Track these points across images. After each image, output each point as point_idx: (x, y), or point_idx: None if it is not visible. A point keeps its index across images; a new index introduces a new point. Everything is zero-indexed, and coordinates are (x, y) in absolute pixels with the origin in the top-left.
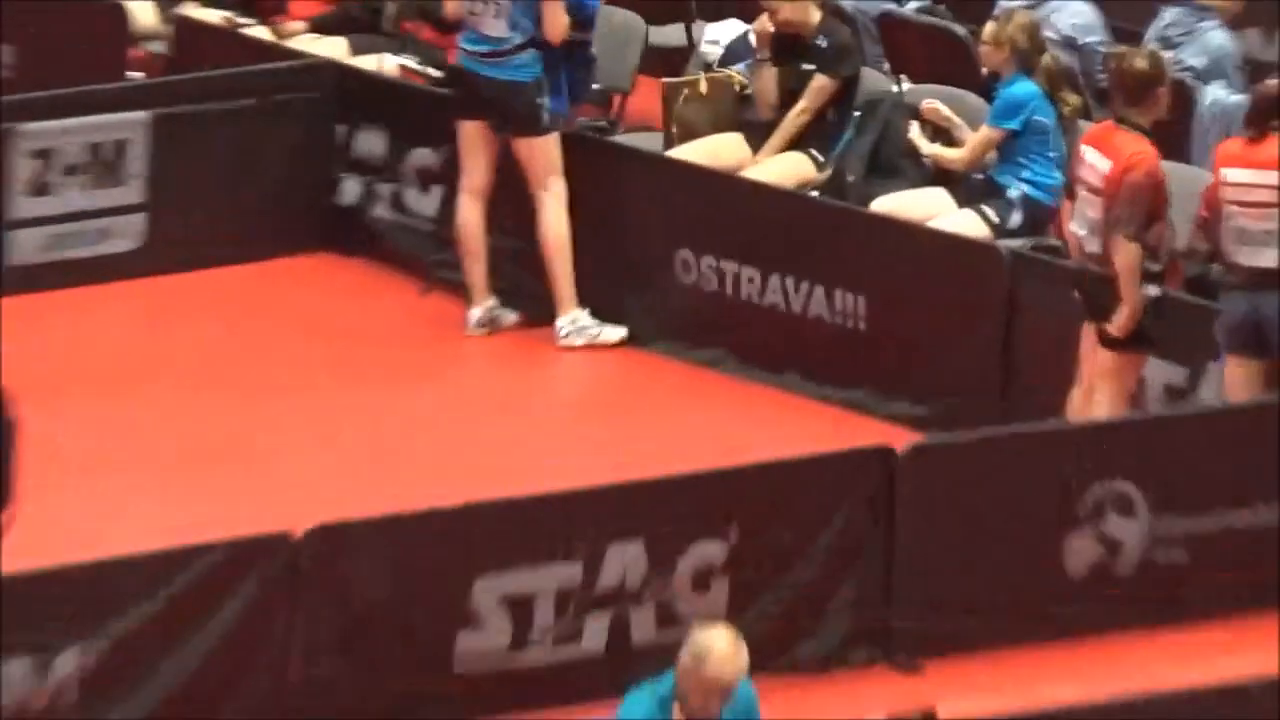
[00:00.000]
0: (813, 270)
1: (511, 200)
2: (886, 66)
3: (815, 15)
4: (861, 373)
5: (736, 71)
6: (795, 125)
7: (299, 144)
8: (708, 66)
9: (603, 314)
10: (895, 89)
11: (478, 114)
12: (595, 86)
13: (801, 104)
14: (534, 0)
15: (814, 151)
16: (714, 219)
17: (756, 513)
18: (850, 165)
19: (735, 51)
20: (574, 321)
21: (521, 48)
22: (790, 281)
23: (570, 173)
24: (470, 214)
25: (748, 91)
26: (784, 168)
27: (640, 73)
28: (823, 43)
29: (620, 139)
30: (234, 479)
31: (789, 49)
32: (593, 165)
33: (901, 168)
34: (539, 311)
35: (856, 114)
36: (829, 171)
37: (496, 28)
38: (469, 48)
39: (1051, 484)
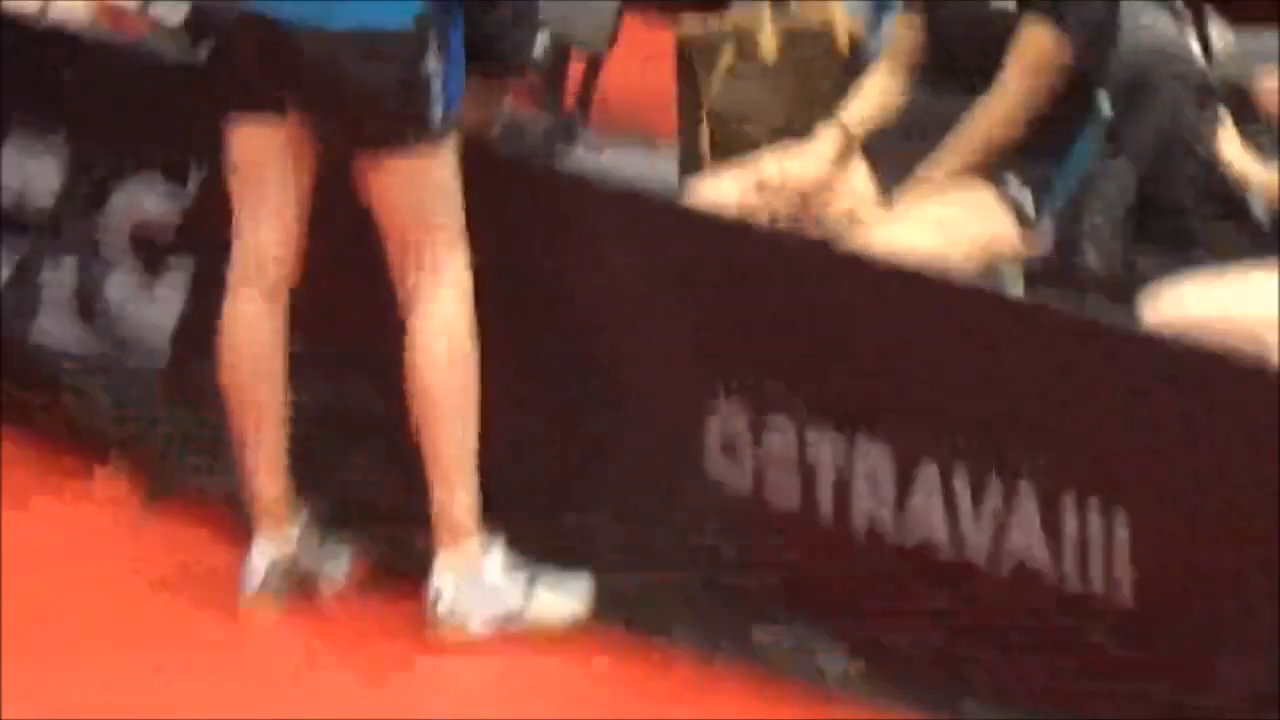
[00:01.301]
0: (1017, 456)
1: (346, 293)
2: (1177, 5)
3: None
4: (1121, 691)
5: (841, 4)
6: (986, 130)
7: None
8: None
9: (542, 550)
10: (1193, 46)
11: (281, 103)
12: (538, 45)
13: (1002, 86)
14: None
15: (1014, 185)
16: (796, 339)
17: None
18: (1093, 219)
19: None
20: (474, 572)
21: None
22: (962, 476)
23: (481, 234)
24: (256, 325)
25: (868, 51)
26: (952, 222)
27: (631, 8)
28: None
29: (586, 158)
30: None
31: None
32: (529, 218)
33: (1205, 222)
34: (400, 550)
35: (1105, 104)
36: (1047, 231)
37: None
38: None
39: None
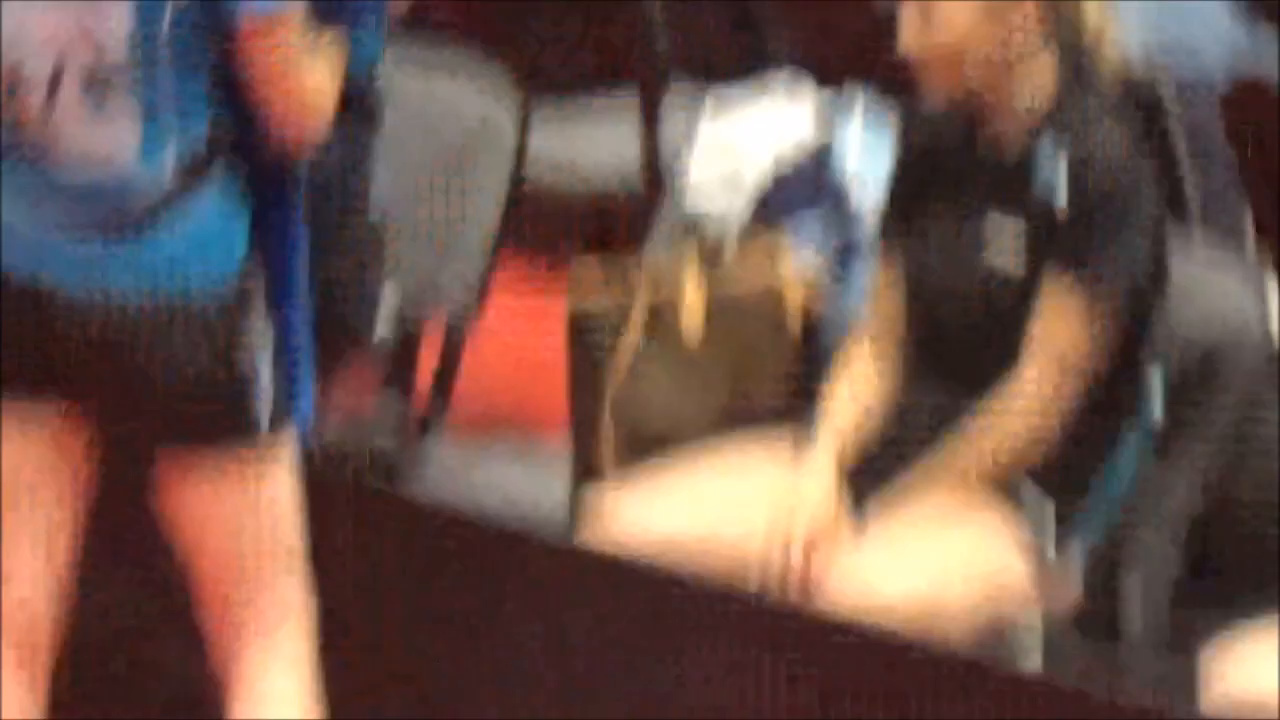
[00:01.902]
0: None
1: (136, 659)
2: (1249, 244)
3: (1040, 70)
4: None
5: (792, 258)
6: (999, 438)
7: None
8: (710, 245)
9: None
10: (1272, 313)
11: (51, 389)
12: (383, 309)
13: (1019, 379)
14: (208, 35)
15: (1031, 506)
16: None
17: None
18: (1138, 563)
19: (798, 182)
20: None
21: (196, 173)
22: None
23: (318, 580)
24: (5, 705)
25: (830, 323)
26: (945, 558)
27: (506, 256)
28: (1049, 166)
29: (445, 467)
30: None
31: (948, 173)
32: (374, 556)
33: None
34: None
35: (1155, 399)
36: (1075, 572)
37: (109, 128)
38: (20, 208)
39: None
